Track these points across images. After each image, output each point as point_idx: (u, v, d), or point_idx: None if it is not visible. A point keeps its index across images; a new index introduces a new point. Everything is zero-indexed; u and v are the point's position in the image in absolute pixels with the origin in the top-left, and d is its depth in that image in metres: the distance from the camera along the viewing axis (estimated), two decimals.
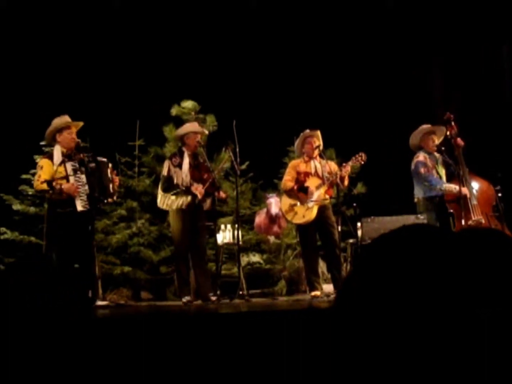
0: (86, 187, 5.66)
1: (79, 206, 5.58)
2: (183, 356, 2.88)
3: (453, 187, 6.13)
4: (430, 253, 0.99)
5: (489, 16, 8.03)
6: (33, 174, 7.36)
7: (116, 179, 6.10)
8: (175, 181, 6.23)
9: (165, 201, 6.32)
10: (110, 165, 6.04)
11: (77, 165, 5.70)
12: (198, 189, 6.23)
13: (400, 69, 8.78)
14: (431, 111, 8.71)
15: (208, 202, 6.45)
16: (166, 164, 6.38)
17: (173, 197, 6.25)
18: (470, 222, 5.94)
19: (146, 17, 8.26)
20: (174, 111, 8.43)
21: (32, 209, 7.51)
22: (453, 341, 0.94)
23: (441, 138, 6.45)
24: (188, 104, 8.49)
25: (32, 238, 7.40)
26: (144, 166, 8.47)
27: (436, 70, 9.04)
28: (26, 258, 6.89)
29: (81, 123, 5.97)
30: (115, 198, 6.16)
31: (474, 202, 6.01)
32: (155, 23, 8.31)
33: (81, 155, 5.73)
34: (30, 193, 7.43)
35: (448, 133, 6.25)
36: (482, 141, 6.40)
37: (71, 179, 5.63)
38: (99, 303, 6.07)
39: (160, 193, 6.39)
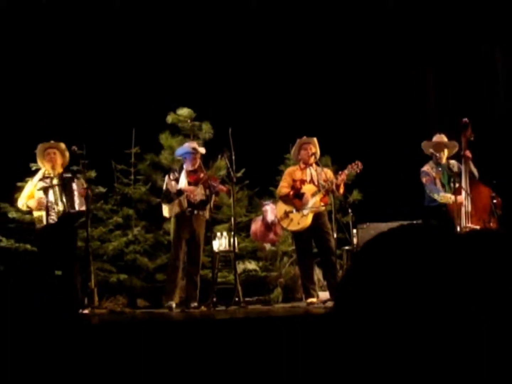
0: (53, 202, 6.13)
1: (48, 220, 6.09)
2: (179, 362, 2.88)
3: (448, 196, 6.17)
4: (427, 252, 1.00)
5: (482, 18, 8.06)
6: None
7: (82, 191, 6.31)
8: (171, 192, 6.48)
9: (165, 209, 6.54)
10: (80, 179, 6.45)
11: (48, 183, 6.20)
12: (188, 188, 6.43)
13: (395, 76, 8.81)
14: (426, 117, 8.74)
15: (207, 210, 6.53)
16: (165, 178, 6.71)
17: (170, 206, 6.44)
18: (466, 230, 5.96)
19: (141, 25, 8.28)
20: (170, 118, 8.43)
21: (27, 217, 7.48)
22: (451, 341, 0.95)
23: (454, 151, 6.46)
24: (184, 111, 8.48)
25: (28, 246, 7.38)
26: (140, 174, 8.46)
27: (430, 76, 9.06)
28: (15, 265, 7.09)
29: (62, 144, 6.42)
30: (79, 208, 6.30)
31: (469, 209, 6.03)
32: (150, 31, 8.33)
33: (58, 174, 6.32)
34: None
35: (462, 139, 6.23)
36: (477, 146, 6.39)
37: (39, 195, 6.15)
38: (96, 311, 6.10)
39: (162, 204, 6.66)
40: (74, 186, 6.27)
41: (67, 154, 6.45)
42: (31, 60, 7.88)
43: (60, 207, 6.15)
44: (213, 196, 6.58)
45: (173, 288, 6.36)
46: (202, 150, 6.78)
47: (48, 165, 6.30)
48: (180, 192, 6.39)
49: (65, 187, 6.23)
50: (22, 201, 6.25)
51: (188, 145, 6.81)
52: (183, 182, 6.49)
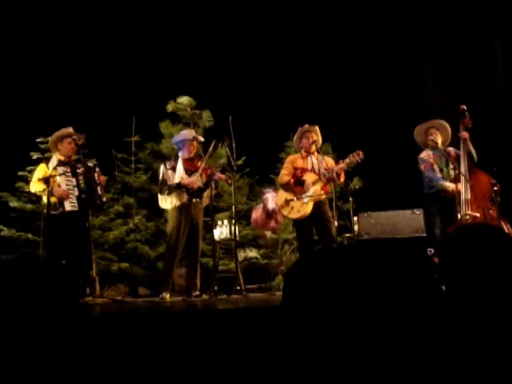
0: (76, 189, 6.06)
1: (68, 206, 5.98)
2: (181, 351, 2.89)
3: (448, 185, 6.17)
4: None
5: (480, 9, 8.03)
6: (30, 171, 7.40)
7: (102, 180, 6.37)
8: (169, 183, 6.34)
9: (163, 201, 6.42)
10: (97, 169, 6.37)
11: (68, 169, 6.09)
12: (188, 180, 6.31)
13: (394, 64, 8.78)
14: (425, 106, 8.72)
15: (206, 198, 6.49)
16: (161, 168, 6.53)
17: (169, 197, 6.34)
18: (466, 217, 5.95)
19: (142, 14, 8.25)
20: (170, 107, 8.44)
21: (29, 206, 7.52)
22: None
23: (446, 134, 6.44)
24: (184, 100, 8.50)
25: (29, 235, 7.41)
26: (141, 162, 8.48)
27: (429, 64, 9.03)
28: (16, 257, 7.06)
29: (83, 136, 6.28)
30: (104, 199, 6.42)
31: (468, 197, 6.02)
32: (150, 20, 8.30)
33: (72, 161, 6.21)
34: (26, 190, 7.44)
35: (460, 126, 6.22)
36: (477, 135, 6.39)
37: (62, 182, 6.02)
38: (98, 300, 6.11)
39: (159, 195, 6.51)
40: (97, 176, 6.25)
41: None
42: (30, 50, 7.86)
43: (83, 195, 6.04)
44: (213, 183, 6.52)
45: (169, 279, 6.32)
46: (201, 138, 6.74)
47: (66, 152, 6.15)
48: (179, 185, 6.28)
49: (90, 177, 6.16)
50: (39, 186, 5.93)
51: (186, 133, 6.74)
52: (180, 171, 6.40)
